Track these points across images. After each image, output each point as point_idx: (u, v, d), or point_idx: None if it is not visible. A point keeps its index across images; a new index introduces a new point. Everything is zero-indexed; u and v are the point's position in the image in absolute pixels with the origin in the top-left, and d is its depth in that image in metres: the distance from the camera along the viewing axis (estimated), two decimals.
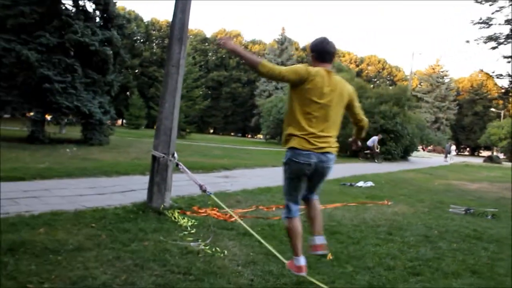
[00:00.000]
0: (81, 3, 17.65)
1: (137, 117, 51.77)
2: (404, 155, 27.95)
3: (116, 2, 18.70)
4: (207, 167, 12.82)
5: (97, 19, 18.80)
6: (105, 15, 18.46)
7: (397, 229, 6.10)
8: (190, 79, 38.77)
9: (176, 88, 6.05)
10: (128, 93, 58.00)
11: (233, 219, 5.99)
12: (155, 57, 69.14)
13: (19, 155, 11.83)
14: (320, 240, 3.73)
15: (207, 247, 4.45)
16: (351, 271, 4.05)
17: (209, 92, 73.76)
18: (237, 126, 75.17)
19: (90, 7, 18.34)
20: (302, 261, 3.54)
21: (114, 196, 7.13)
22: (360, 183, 11.06)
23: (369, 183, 11.20)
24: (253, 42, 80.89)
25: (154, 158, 6.18)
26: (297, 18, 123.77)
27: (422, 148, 54.20)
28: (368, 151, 23.42)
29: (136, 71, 65.01)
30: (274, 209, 7.03)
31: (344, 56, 76.92)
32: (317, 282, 3.50)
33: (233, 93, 73.17)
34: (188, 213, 6.13)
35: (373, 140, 23.16)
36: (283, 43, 64.83)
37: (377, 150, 23.38)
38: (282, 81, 3.41)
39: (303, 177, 3.47)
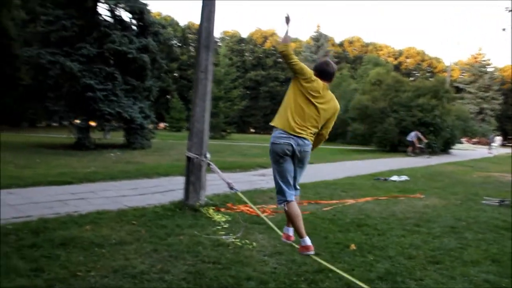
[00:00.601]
0: (117, 13, 18.42)
1: (178, 120, 52.94)
2: (445, 148, 27.37)
3: (150, 10, 19.40)
4: (245, 166, 13.21)
5: (134, 28, 19.58)
6: (140, 23, 19.17)
7: (425, 221, 6.24)
8: (227, 80, 39.39)
9: (205, 93, 6.43)
10: (168, 96, 59.41)
11: (264, 214, 6.33)
12: (193, 60, 70.35)
13: (67, 161, 12.60)
14: (289, 231, 4.02)
15: (238, 240, 4.79)
16: (371, 260, 4.28)
17: (248, 92, 74.48)
18: None
19: (126, 17, 19.14)
20: (307, 241, 3.76)
21: (154, 196, 7.59)
22: (394, 177, 11.13)
23: (404, 177, 11.24)
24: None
25: (188, 159, 6.58)
26: (332, 13, 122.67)
27: (467, 141, 52.66)
28: (414, 147, 22.77)
29: (175, 74, 66.43)
30: (305, 204, 7.29)
31: (381, 50, 75.71)
32: (335, 269, 3.76)
33: (272, 92, 73.36)
34: (222, 209, 6.51)
35: (412, 136, 22.59)
36: (319, 39, 64.55)
37: (420, 145, 22.87)
38: (292, 66, 3.84)
39: (287, 158, 3.82)
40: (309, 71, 3.87)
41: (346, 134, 31.98)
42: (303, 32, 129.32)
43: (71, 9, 17.44)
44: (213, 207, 6.49)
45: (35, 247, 4.21)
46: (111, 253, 4.10)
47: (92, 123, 18.61)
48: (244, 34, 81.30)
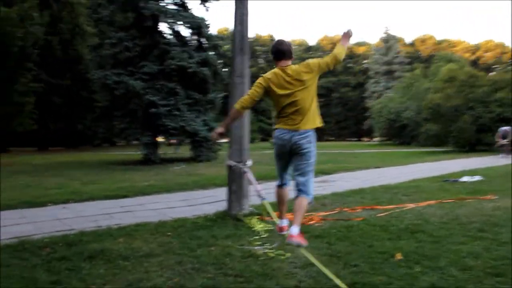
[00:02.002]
0: (176, 29, 18.92)
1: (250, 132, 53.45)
2: None
3: (209, 25, 19.70)
4: None
5: (195, 43, 19.99)
6: (200, 38, 19.53)
7: (492, 225, 5.51)
8: None
9: None
10: None
11: (311, 222, 5.95)
12: (262, 72, 70.88)
13: (131, 176, 12.95)
14: (293, 230, 3.92)
15: (272, 251, 4.47)
16: (417, 272, 3.76)
17: (320, 99, 73.42)
18: (350, 130, 73.77)
19: (185, 33, 19.59)
20: (284, 222, 4.43)
21: (203, 207, 7.44)
22: (465, 178, 10.18)
23: (477, 178, 10.25)
24: (358, 44, 79.21)
25: (229, 167, 6.37)
26: (401, 13, 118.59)
27: None
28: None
29: None
30: (359, 210, 6.79)
31: (456, 46, 71.65)
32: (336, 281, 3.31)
33: (343, 97, 72.20)
34: (267, 218, 6.19)
35: (505, 131, 20.03)
36: (388, 41, 62.49)
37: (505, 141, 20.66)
38: (257, 99, 4.12)
39: (283, 155, 4.14)
40: (260, 80, 4.07)
41: (419, 136, 30.40)
42: (371, 35, 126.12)
43: (132, 30, 18.17)
44: (257, 216, 6.21)
45: (64, 259, 4.18)
46: (134, 266, 3.95)
47: (159, 139, 19.17)
48: (312, 42, 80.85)
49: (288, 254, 4.32)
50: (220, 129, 4.28)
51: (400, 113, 36.80)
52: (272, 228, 5.54)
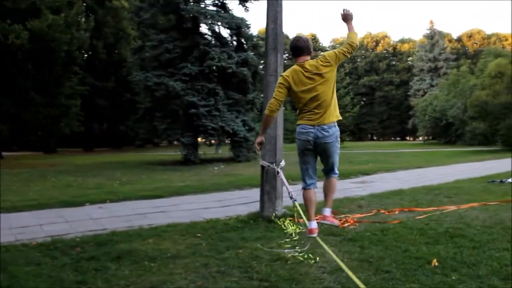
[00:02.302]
0: (216, 30, 19.02)
1: (291, 131, 53.19)
2: None
3: (249, 24, 19.69)
4: (344, 173, 12.50)
5: (234, 43, 20.05)
6: (240, 38, 19.55)
7: None
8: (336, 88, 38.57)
9: None
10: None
11: (346, 224, 5.76)
12: None
13: (169, 176, 13.10)
14: (326, 212, 4.28)
15: (301, 254, 4.32)
16: (453, 280, 3.52)
17: (364, 98, 72.45)
18: (394, 129, 72.21)
19: (226, 33, 19.69)
20: (313, 224, 4.42)
21: (237, 208, 7.38)
22: None
23: None
24: (402, 41, 77.39)
25: (262, 167, 6.27)
26: (447, 7, 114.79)
27: None
28: None
29: None
30: (397, 212, 6.52)
31: (506, 40, 68.45)
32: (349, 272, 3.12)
33: (387, 96, 70.76)
34: (301, 220, 6.04)
35: None
36: (433, 37, 60.55)
37: None
38: (283, 100, 4.27)
39: (308, 151, 4.19)
40: (281, 80, 4.17)
41: (465, 135, 29.29)
42: (415, 31, 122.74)
43: (172, 32, 18.42)
44: (290, 218, 6.06)
45: (92, 259, 4.19)
46: (159, 268, 3.91)
47: (200, 139, 19.35)
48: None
49: (318, 258, 4.16)
50: (259, 139, 4.45)
51: (445, 111, 35.61)
52: (304, 230, 5.40)
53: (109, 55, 34.97)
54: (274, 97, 4.18)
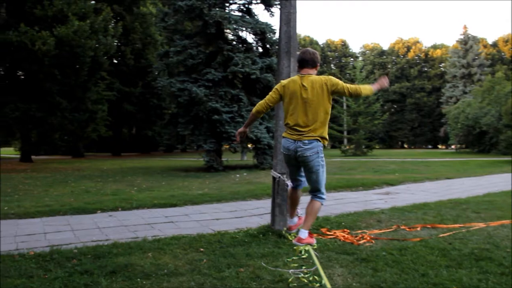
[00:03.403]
0: (241, 35, 18.82)
1: None
2: None
3: (274, 30, 19.36)
4: (368, 183, 12.09)
5: (259, 48, 19.80)
6: (264, 43, 19.30)
7: None
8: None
9: None
10: None
11: (361, 241, 5.37)
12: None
13: (189, 183, 12.89)
14: (302, 234, 4.02)
15: (307, 275, 3.99)
16: None
17: (394, 105, 71.10)
18: (426, 137, 70.43)
19: (250, 38, 19.46)
20: (293, 222, 4.57)
21: (250, 219, 7.10)
22: None
23: None
24: (434, 47, 75.62)
25: (274, 179, 5.95)
26: (482, 11, 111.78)
27: None
28: None
29: None
30: (418, 229, 6.09)
31: None
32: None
33: (418, 103, 69.20)
34: (314, 235, 5.68)
35: None
36: (467, 42, 58.79)
37: None
38: (272, 105, 4.14)
39: (290, 163, 4.13)
40: (277, 87, 4.10)
41: (499, 143, 28.12)
42: (448, 36, 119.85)
43: (196, 37, 18.32)
44: None
45: (85, 273, 4.00)
46: (151, 286, 3.66)
47: (225, 146, 19.12)
48: (385, 46, 78.46)
49: (322, 281, 3.81)
50: (241, 129, 4.36)
51: (478, 119, 34.36)
52: (316, 247, 5.05)
53: (136, 60, 35.32)
54: (265, 99, 4.12)
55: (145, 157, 35.73)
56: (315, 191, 4.05)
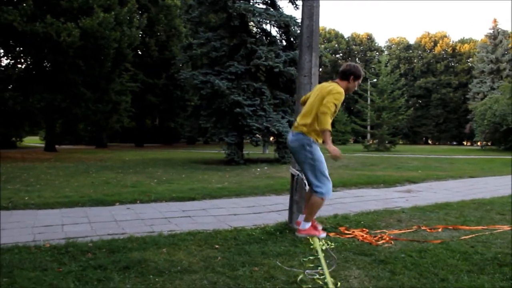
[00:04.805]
0: (265, 27, 18.69)
1: (343, 133, 52.37)
2: None
3: (299, 23, 19.15)
4: (390, 181, 11.87)
5: (283, 42, 19.64)
6: (288, 36, 19.12)
7: None
8: (389, 89, 37.33)
9: None
10: None
11: (380, 242, 5.24)
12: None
13: (209, 176, 12.87)
14: (299, 217, 4.18)
15: (322, 277, 3.89)
16: None
17: (419, 100, 69.93)
18: (451, 134, 69.04)
19: (274, 31, 19.30)
20: (300, 217, 4.23)
21: (268, 215, 7.02)
22: None
23: None
24: (462, 42, 73.87)
25: (292, 176, 5.86)
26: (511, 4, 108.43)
27: None
28: None
29: None
30: (440, 230, 5.91)
31: None
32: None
33: (444, 99, 67.83)
34: (332, 234, 5.59)
35: None
36: (496, 37, 57.17)
37: None
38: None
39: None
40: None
41: None
42: (477, 31, 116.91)
43: (220, 30, 18.26)
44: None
45: (99, 268, 3.98)
46: (163, 283, 3.62)
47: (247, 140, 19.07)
48: (412, 40, 77.06)
49: (339, 284, 3.72)
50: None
51: (506, 116, 33.45)
52: (333, 246, 4.95)
53: (161, 52, 35.53)
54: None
55: (167, 148, 36.03)
56: (309, 184, 4.09)
